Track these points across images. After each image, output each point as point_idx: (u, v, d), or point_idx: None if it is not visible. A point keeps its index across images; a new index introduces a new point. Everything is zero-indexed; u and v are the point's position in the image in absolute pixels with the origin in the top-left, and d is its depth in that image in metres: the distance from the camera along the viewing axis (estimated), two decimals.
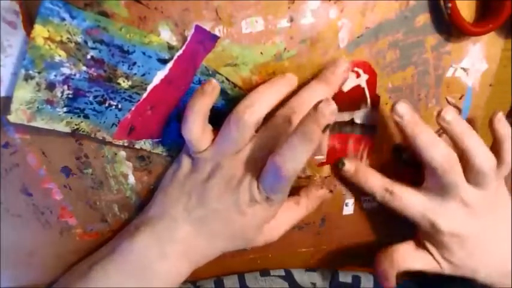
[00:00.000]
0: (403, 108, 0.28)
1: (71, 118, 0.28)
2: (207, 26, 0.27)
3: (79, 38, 0.25)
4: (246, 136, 0.28)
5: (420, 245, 0.33)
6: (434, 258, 0.32)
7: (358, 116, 0.32)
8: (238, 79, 0.29)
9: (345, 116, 0.31)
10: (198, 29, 0.27)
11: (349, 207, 0.36)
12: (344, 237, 0.37)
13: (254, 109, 0.27)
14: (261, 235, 0.30)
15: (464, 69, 0.32)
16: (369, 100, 0.31)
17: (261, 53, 0.28)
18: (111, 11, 0.26)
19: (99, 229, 0.33)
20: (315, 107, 0.24)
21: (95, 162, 0.30)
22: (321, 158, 0.33)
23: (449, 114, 0.28)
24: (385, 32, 0.29)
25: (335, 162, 0.33)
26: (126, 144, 0.30)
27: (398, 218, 0.32)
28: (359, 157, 0.33)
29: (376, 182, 0.32)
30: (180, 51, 0.27)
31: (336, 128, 0.32)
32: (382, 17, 0.29)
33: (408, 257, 0.32)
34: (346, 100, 0.31)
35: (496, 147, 0.30)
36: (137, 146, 0.30)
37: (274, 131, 0.28)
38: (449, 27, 0.29)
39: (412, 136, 0.28)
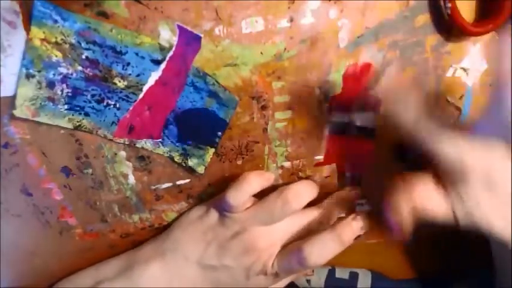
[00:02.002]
0: None
1: (73, 115, 0.28)
2: (207, 26, 0.27)
3: (72, 40, 0.26)
4: (284, 218, 0.30)
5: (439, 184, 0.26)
6: (454, 205, 0.26)
7: (358, 118, 0.32)
8: (238, 79, 0.29)
9: (346, 118, 0.31)
10: (181, 29, 0.27)
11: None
12: None
13: (303, 199, 0.30)
14: None
15: (464, 69, 0.32)
16: (371, 102, 0.31)
17: (261, 53, 0.28)
18: (111, 11, 0.26)
19: (99, 229, 0.33)
20: (355, 216, 0.27)
21: (95, 162, 0.30)
22: (319, 158, 0.33)
23: None
24: (385, 32, 0.29)
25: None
26: (127, 142, 0.30)
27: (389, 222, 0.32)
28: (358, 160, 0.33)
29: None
30: (171, 52, 0.27)
31: (335, 129, 0.32)
32: (382, 17, 0.29)
33: (428, 194, 0.26)
34: (347, 101, 0.31)
35: None
36: (139, 146, 0.30)
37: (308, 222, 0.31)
38: (449, 27, 0.29)
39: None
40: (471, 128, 0.26)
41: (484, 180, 0.25)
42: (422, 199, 0.26)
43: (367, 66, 0.30)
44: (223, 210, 0.31)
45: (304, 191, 0.30)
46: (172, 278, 0.31)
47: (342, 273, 0.36)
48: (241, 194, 0.29)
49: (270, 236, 0.30)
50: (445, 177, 0.26)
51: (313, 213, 0.32)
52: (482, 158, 0.24)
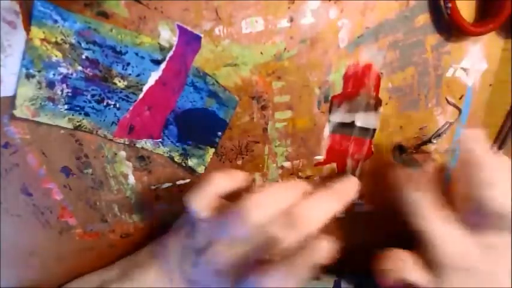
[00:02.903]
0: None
1: (73, 115, 0.28)
2: (207, 26, 0.27)
3: (72, 40, 0.26)
4: (246, 234, 0.26)
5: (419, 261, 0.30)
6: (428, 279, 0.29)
7: (360, 119, 0.32)
8: (238, 79, 0.29)
9: (347, 118, 0.31)
10: (181, 29, 0.27)
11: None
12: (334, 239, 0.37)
13: (263, 211, 0.25)
14: None
15: (464, 69, 0.32)
16: (372, 103, 0.31)
17: (261, 53, 0.28)
18: (111, 11, 0.26)
19: (99, 229, 0.33)
20: (309, 244, 0.22)
21: (95, 162, 0.30)
22: (320, 158, 0.33)
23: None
24: (385, 32, 0.29)
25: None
26: (127, 142, 0.30)
27: (388, 222, 0.32)
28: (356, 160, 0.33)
29: (418, 192, 0.29)
30: (171, 52, 0.27)
31: (336, 128, 0.32)
32: (382, 17, 0.29)
33: (408, 266, 0.29)
34: (348, 101, 0.31)
35: None
36: (139, 146, 0.30)
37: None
38: (449, 27, 0.29)
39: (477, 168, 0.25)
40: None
41: (460, 273, 0.27)
42: (404, 272, 0.29)
43: (368, 67, 0.30)
44: (195, 217, 0.28)
45: (265, 200, 0.26)
46: (170, 281, 0.30)
47: (347, 284, 0.36)
48: (201, 197, 0.26)
49: (231, 259, 0.26)
50: (427, 259, 0.29)
51: None
52: (460, 252, 0.27)
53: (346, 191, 0.27)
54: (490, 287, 0.27)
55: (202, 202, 0.26)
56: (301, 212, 0.25)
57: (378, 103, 0.31)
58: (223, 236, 0.26)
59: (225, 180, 0.27)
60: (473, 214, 0.26)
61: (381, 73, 0.30)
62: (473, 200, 0.26)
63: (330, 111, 0.31)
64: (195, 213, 0.27)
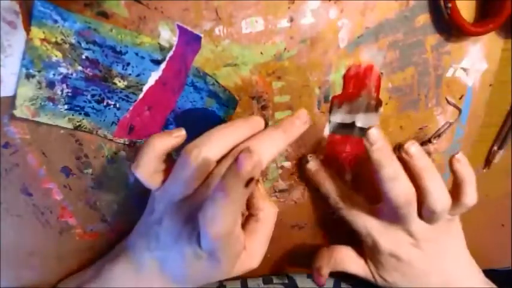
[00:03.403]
0: (375, 135, 0.26)
1: (73, 115, 0.28)
2: (207, 26, 0.27)
3: (73, 40, 0.26)
4: (192, 179, 0.25)
5: (361, 254, 0.33)
6: (370, 270, 0.33)
7: (360, 119, 0.32)
8: (238, 79, 0.29)
9: (347, 118, 0.31)
10: (181, 29, 0.27)
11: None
12: (332, 238, 0.37)
13: (203, 149, 0.25)
14: (235, 268, 0.27)
15: (464, 69, 0.32)
16: (372, 104, 0.31)
17: (261, 53, 0.28)
18: (111, 11, 0.26)
19: (99, 229, 0.33)
20: (236, 159, 0.20)
21: (95, 162, 0.30)
22: (319, 158, 0.33)
23: (413, 148, 0.28)
24: (385, 32, 0.29)
25: (301, 157, 0.33)
26: (127, 143, 0.30)
27: None
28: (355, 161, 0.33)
29: (331, 187, 0.32)
30: (171, 52, 0.27)
31: (336, 129, 0.32)
32: (382, 17, 0.29)
33: (347, 260, 0.33)
34: (349, 102, 0.31)
35: (455, 187, 0.30)
36: (139, 145, 0.30)
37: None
38: (449, 27, 0.29)
39: (377, 165, 0.27)
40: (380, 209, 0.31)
41: (392, 259, 0.31)
42: (341, 262, 0.33)
43: (369, 68, 0.30)
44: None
45: (206, 140, 0.25)
46: (138, 272, 0.28)
47: (346, 283, 0.36)
48: (143, 161, 0.25)
49: (187, 211, 0.25)
50: (365, 248, 0.33)
51: None
52: (391, 240, 0.31)
53: (294, 125, 0.27)
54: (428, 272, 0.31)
55: (143, 166, 0.26)
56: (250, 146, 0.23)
57: (378, 104, 0.31)
58: (177, 190, 0.26)
59: (163, 139, 0.26)
60: (391, 208, 0.29)
61: (381, 73, 0.30)
62: (383, 195, 0.29)
63: (330, 111, 0.31)
64: (142, 182, 0.26)
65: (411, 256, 0.31)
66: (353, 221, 0.32)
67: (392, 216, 0.30)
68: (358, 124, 0.32)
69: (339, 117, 0.31)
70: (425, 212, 0.29)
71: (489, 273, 0.33)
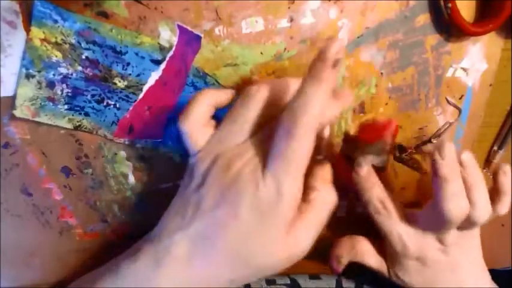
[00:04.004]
0: (448, 149, 0.27)
1: (73, 115, 0.28)
2: (207, 26, 0.27)
3: (73, 40, 0.26)
4: (252, 120, 0.24)
5: (382, 252, 0.33)
6: (388, 268, 0.33)
7: (371, 160, 0.30)
8: (238, 79, 0.29)
9: (359, 156, 0.30)
10: (181, 28, 0.27)
11: (343, 209, 0.35)
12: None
13: (263, 89, 0.24)
14: (279, 252, 0.23)
15: (464, 69, 0.32)
16: (387, 150, 0.30)
17: (261, 53, 0.28)
18: (111, 11, 0.26)
19: (99, 229, 0.33)
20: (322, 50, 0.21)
21: (95, 162, 0.30)
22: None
23: (468, 159, 0.28)
24: (385, 32, 0.29)
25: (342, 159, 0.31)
26: (127, 143, 0.30)
27: None
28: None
29: (377, 193, 0.31)
30: (171, 52, 0.27)
31: (347, 159, 0.31)
32: (382, 17, 0.29)
33: (368, 253, 0.33)
34: (362, 146, 0.30)
35: (492, 194, 0.29)
36: (139, 145, 0.30)
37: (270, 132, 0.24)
38: (449, 27, 0.29)
39: (443, 180, 0.27)
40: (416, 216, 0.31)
41: (417, 263, 0.31)
42: (361, 254, 0.33)
43: (389, 123, 0.29)
44: (190, 158, 0.26)
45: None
46: (163, 266, 0.24)
47: (347, 283, 0.36)
48: (192, 112, 0.24)
49: (244, 150, 0.24)
50: (388, 248, 0.32)
51: None
52: (421, 247, 0.31)
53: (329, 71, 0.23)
54: (449, 278, 0.31)
55: (189, 121, 0.25)
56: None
57: (392, 149, 0.31)
58: (229, 136, 0.25)
59: (212, 95, 0.25)
60: (437, 218, 0.28)
61: (381, 73, 0.30)
62: (438, 208, 0.28)
63: (343, 144, 0.31)
64: (185, 139, 0.25)
65: (436, 260, 0.31)
66: (387, 226, 0.31)
67: (433, 225, 0.30)
68: (370, 163, 0.30)
69: (350, 153, 0.31)
70: (465, 222, 0.28)
71: (489, 273, 0.33)
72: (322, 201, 0.25)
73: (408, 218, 0.31)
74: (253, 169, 0.23)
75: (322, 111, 0.22)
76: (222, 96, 0.26)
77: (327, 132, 0.31)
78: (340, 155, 0.32)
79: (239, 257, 0.23)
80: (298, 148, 0.22)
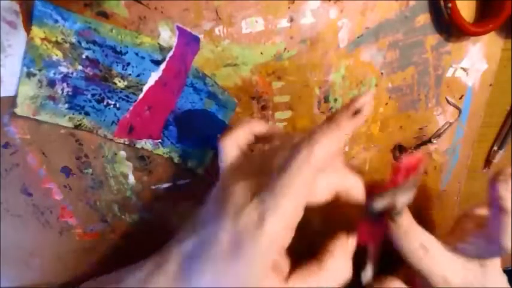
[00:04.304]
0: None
1: (73, 114, 0.28)
2: (207, 26, 0.27)
3: (73, 39, 0.26)
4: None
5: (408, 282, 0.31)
6: None
7: (405, 201, 0.27)
8: (238, 79, 0.29)
9: (386, 202, 0.26)
10: (180, 30, 0.27)
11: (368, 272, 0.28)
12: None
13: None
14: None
15: (464, 69, 0.32)
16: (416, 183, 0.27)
17: (261, 53, 0.28)
18: (111, 11, 0.26)
19: (99, 229, 0.33)
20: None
21: (95, 162, 0.30)
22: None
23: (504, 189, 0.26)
24: (385, 32, 0.29)
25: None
26: (127, 143, 0.30)
27: None
28: None
29: (420, 237, 0.28)
30: (171, 53, 0.27)
31: (373, 215, 0.27)
32: (382, 17, 0.29)
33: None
34: (394, 189, 0.26)
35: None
36: (138, 146, 0.30)
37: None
38: (449, 27, 0.29)
39: (505, 213, 0.25)
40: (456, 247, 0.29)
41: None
42: None
43: (419, 160, 0.26)
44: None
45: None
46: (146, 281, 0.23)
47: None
48: (230, 138, 0.25)
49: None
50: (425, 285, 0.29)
51: None
52: (464, 277, 0.28)
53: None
54: None
55: (228, 142, 0.25)
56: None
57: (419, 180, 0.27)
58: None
59: (255, 125, 0.26)
60: (489, 248, 0.27)
61: (381, 73, 0.30)
62: (494, 240, 0.26)
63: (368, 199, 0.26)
64: (220, 157, 0.25)
65: (479, 281, 0.29)
66: (428, 269, 0.28)
67: (482, 254, 0.28)
68: (400, 204, 0.26)
69: (380, 202, 0.26)
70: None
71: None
72: (334, 270, 0.23)
73: (449, 253, 0.29)
74: (243, 193, 0.21)
75: (327, 156, 0.21)
76: (266, 128, 0.26)
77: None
78: (364, 220, 0.26)
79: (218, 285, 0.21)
80: (290, 184, 0.20)
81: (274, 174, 0.21)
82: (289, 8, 0.27)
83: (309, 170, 0.20)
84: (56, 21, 0.25)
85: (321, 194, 0.23)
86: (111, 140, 0.29)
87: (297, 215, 0.21)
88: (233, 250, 0.20)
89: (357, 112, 0.21)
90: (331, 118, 0.21)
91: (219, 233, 0.21)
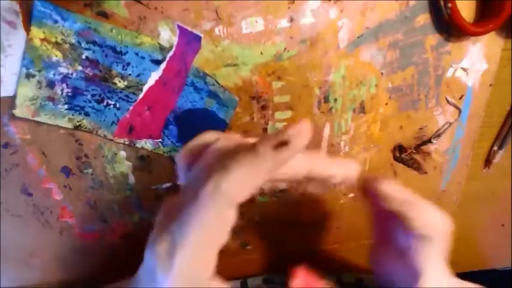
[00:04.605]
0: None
1: (73, 115, 0.28)
2: (207, 26, 0.27)
3: (73, 39, 0.26)
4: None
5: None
6: None
7: None
8: (238, 79, 0.29)
9: None
10: (181, 29, 0.27)
11: None
12: (342, 237, 0.37)
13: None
14: None
15: (464, 69, 0.32)
16: None
17: (261, 53, 0.28)
18: (111, 11, 0.26)
19: (99, 229, 0.33)
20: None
21: (95, 162, 0.30)
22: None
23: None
24: (385, 32, 0.29)
25: None
26: (127, 143, 0.30)
27: None
28: None
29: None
30: (171, 52, 0.27)
31: None
32: (382, 17, 0.29)
33: None
34: None
35: None
36: (138, 146, 0.30)
37: None
38: (449, 27, 0.29)
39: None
40: None
41: None
42: None
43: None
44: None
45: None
46: None
47: (348, 279, 0.36)
48: (183, 153, 0.22)
49: None
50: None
51: None
52: None
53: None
54: None
55: (180, 154, 0.22)
56: None
57: None
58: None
59: (211, 136, 0.23)
60: None
61: (381, 73, 0.30)
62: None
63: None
64: (178, 172, 0.23)
65: None
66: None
67: None
68: None
69: None
70: None
71: (489, 273, 0.33)
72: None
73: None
74: (165, 218, 0.20)
75: (245, 188, 0.18)
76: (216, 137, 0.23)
77: (326, 132, 0.31)
78: None
79: None
80: (197, 216, 0.18)
81: (186, 200, 0.19)
82: (289, 8, 0.27)
83: (219, 202, 0.18)
84: (56, 21, 0.25)
85: (294, 170, 0.22)
86: (111, 140, 0.29)
87: (211, 246, 0.19)
88: (150, 281, 0.20)
89: (283, 144, 0.18)
90: (252, 145, 0.18)
91: (146, 259, 0.20)
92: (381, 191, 0.24)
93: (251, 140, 0.20)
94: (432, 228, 0.24)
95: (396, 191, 0.24)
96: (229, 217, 0.19)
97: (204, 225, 0.18)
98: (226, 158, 0.19)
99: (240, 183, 0.18)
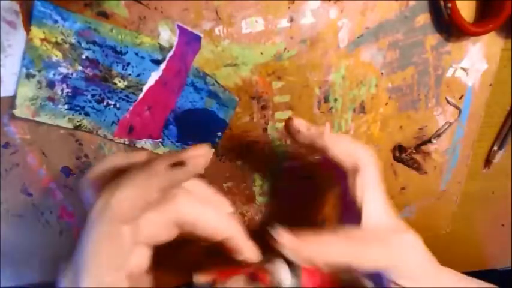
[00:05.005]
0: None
1: (73, 115, 0.28)
2: (207, 26, 0.27)
3: (73, 39, 0.26)
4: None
5: None
6: None
7: None
8: (238, 79, 0.29)
9: None
10: (181, 29, 0.27)
11: None
12: None
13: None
14: None
15: (464, 69, 0.32)
16: None
17: (261, 53, 0.28)
18: (111, 11, 0.26)
19: None
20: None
21: (95, 162, 0.30)
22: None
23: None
24: (385, 32, 0.29)
25: None
26: (127, 143, 0.30)
27: None
28: None
29: None
30: (171, 52, 0.27)
31: None
32: (382, 17, 0.29)
33: None
34: None
35: None
36: (138, 146, 0.30)
37: None
38: (449, 27, 0.29)
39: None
40: None
41: None
42: None
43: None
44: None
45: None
46: None
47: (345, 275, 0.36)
48: (87, 178, 0.22)
49: None
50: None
51: None
52: None
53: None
54: None
55: (91, 182, 0.22)
56: None
57: None
58: None
59: (118, 158, 0.23)
60: None
61: (381, 73, 0.30)
62: None
63: None
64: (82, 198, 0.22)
65: None
66: None
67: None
68: None
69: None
70: None
71: (489, 273, 0.33)
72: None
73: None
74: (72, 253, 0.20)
75: (136, 204, 0.18)
76: (126, 161, 0.22)
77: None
78: None
79: None
80: (89, 240, 0.18)
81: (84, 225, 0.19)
82: (289, 8, 0.27)
83: (109, 218, 0.18)
84: (56, 21, 0.25)
85: (162, 234, 0.21)
86: (111, 140, 0.29)
87: (114, 268, 0.19)
88: None
89: (179, 164, 0.18)
90: (148, 162, 0.19)
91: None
92: (295, 127, 0.24)
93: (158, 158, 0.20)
94: (356, 158, 0.25)
95: (308, 127, 0.25)
96: (125, 234, 0.18)
97: (97, 245, 0.18)
98: (121, 177, 0.18)
99: (130, 199, 0.18)
